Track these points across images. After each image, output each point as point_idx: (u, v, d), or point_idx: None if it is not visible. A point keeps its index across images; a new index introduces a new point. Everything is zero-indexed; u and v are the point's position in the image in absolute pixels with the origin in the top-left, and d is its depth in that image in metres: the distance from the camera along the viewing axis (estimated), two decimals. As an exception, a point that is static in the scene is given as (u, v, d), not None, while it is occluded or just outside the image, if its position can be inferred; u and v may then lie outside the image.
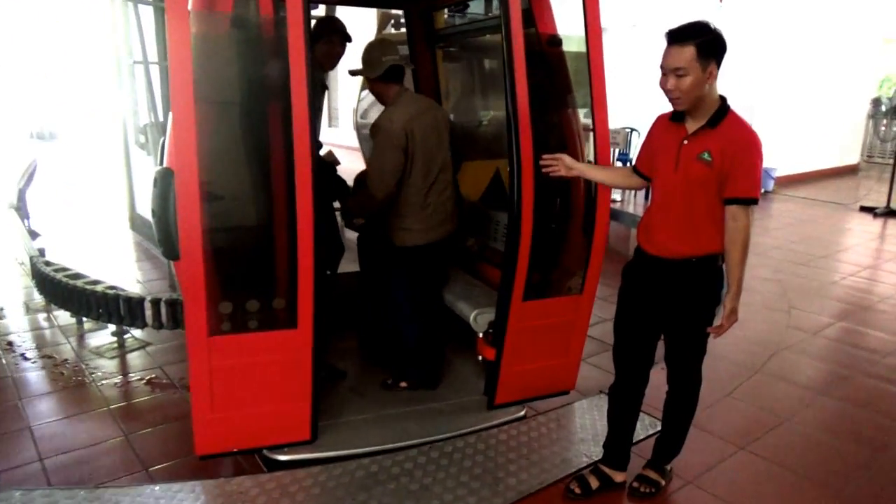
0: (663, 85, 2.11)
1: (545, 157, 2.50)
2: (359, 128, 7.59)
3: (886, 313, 4.56)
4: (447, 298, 3.26)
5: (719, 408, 3.11)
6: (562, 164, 2.48)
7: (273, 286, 2.44)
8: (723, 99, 2.18)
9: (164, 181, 2.17)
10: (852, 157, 11.55)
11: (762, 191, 9.32)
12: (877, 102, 7.36)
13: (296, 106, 2.24)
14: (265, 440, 2.58)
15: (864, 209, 8.08)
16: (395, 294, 3.05)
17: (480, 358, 3.01)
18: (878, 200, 8.32)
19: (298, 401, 2.53)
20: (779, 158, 9.37)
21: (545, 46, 2.96)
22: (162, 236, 2.22)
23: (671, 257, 2.24)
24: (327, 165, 3.31)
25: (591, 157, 2.90)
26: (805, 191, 9.46)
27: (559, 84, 3.05)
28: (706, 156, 2.14)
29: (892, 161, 8.16)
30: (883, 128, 7.46)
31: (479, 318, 2.99)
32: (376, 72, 2.88)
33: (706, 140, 2.14)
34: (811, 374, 3.57)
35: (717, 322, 2.21)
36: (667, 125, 2.28)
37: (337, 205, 3.40)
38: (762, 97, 9.17)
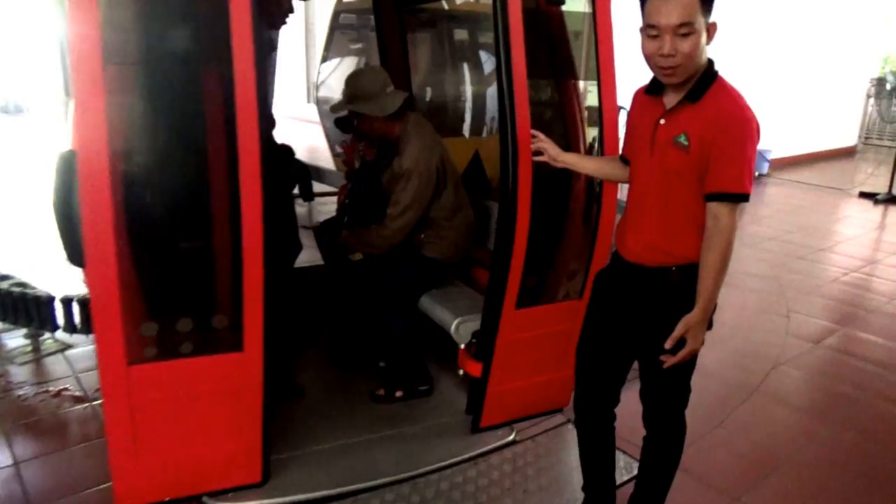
0: (654, 51, 1.63)
1: (533, 133, 2.15)
2: (319, 102, 7.02)
3: (893, 317, 4.10)
4: (423, 303, 2.81)
5: (708, 443, 2.63)
6: (546, 151, 2.11)
7: (212, 299, 1.99)
8: (710, 63, 1.69)
9: (66, 167, 1.68)
10: (850, 139, 11.08)
11: (757, 173, 9.05)
12: (881, 82, 6.81)
13: (239, 72, 1.76)
14: (204, 486, 2.13)
15: (863, 195, 7.61)
16: (386, 285, 2.72)
17: (462, 373, 2.59)
18: (878, 185, 7.85)
19: (245, 437, 2.09)
20: (775, 140, 8.87)
21: (543, 4, 2.51)
22: (64, 237, 1.74)
23: (646, 265, 1.79)
24: (283, 147, 2.89)
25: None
26: (801, 174, 8.98)
27: (559, 51, 2.62)
28: (682, 139, 1.68)
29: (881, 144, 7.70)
30: (893, 108, 6.92)
31: (461, 328, 2.56)
32: (388, 109, 2.63)
33: (684, 118, 1.69)
34: (815, 397, 3.10)
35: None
36: (643, 101, 1.83)
37: (297, 192, 3.10)
38: (757, 74, 8.63)
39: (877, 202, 7.33)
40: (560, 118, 2.69)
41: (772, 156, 8.80)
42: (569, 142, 2.60)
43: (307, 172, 3.20)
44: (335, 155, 6.29)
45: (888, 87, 6.85)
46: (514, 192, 2.22)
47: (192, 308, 1.93)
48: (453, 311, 2.63)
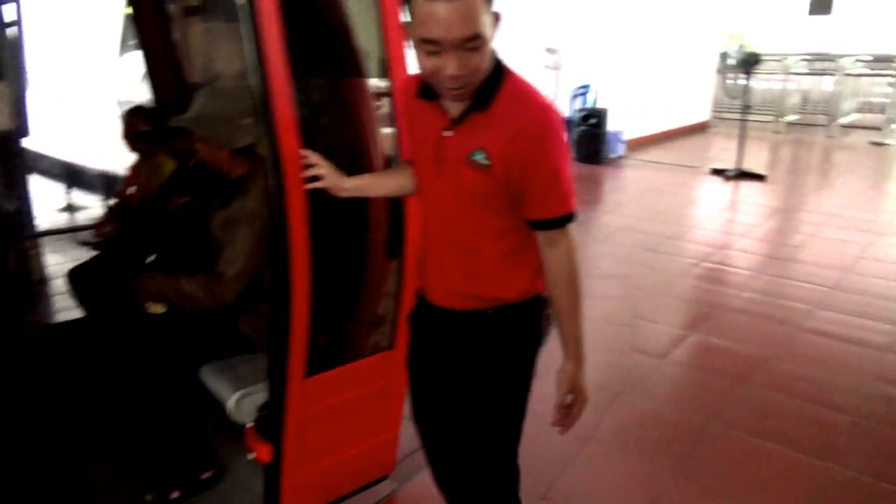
0: (435, 70, 1.25)
1: (305, 154, 1.66)
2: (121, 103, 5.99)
3: (745, 314, 3.76)
4: (202, 370, 2.20)
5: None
6: (323, 179, 1.65)
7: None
8: (493, 57, 1.31)
9: None
10: (703, 114, 11.23)
11: (614, 155, 8.92)
12: (724, 57, 6.67)
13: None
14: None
15: (714, 171, 7.52)
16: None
17: (252, 457, 2.02)
18: (729, 160, 7.81)
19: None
20: (628, 121, 8.71)
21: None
22: None
23: (455, 309, 1.46)
24: None
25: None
26: (658, 153, 8.87)
27: (341, 41, 2.09)
28: (480, 157, 1.32)
29: (736, 118, 7.65)
30: (730, 81, 6.80)
31: (243, 404, 2.04)
32: (239, 142, 2.20)
33: (477, 130, 1.33)
34: (659, 437, 2.62)
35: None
36: (418, 104, 1.43)
37: None
38: (604, 55, 8.41)
39: (727, 178, 7.25)
40: (346, 129, 2.14)
41: (627, 136, 8.61)
42: (359, 159, 2.07)
43: None
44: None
45: (731, 62, 6.69)
46: (282, 229, 1.72)
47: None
48: (233, 383, 2.08)
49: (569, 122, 8.34)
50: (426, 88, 1.37)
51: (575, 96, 8.40)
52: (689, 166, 7.94)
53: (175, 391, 2.16)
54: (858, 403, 2.81)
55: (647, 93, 9.30)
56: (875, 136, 9.63)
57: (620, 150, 8.54)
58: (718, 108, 11.44)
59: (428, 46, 1.22)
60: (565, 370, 1.42)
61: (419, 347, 1.62)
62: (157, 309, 2.29)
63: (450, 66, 1.22)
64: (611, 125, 8.25)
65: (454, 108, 1.35)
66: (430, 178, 1.43)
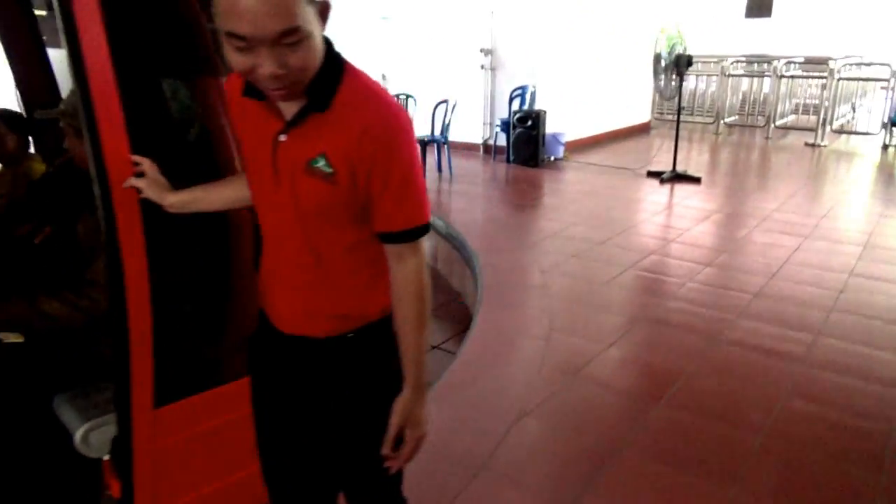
0: (248, 68, 1.07)
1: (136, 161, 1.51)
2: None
3: (665, 325, 3.62)
4: (55, 400, 1.98)
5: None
6: (143, 191, 1.50)
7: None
8: (328, 48, 1.15)
9: None
10: (644, 115, 11.23)
11: (552, 158, 8.80)
12: (658, 58, 6.57)
13: None
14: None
15: (651, 174, 7.45)
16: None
17: (107, 494, 1.89)
18: (667, 162, 7.75)
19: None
20: (567, 122, 8.60)
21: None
22: None
23: (311, 336, 1.29)
24: None
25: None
26: (598, 155, 8.78)
27: (186, 34, 1.86)
28: (322, 164, 1.16)
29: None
30: (661, 82, 6.72)
31: (91, 436, 1.83)
32: None
33: (317, 133, 1.16)
34: (559, 467, 2.41)
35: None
36: (245, 103, 1.24)
37: None
38: (542, 55, 8.28)
39: (662, 181, 7.17)
40: (198, 132, 1.93)
41: (567, 138, 8.49)
42: (213, 165, 1.87)
43: None
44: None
45: (663, 63, 6.61)
46: (113, 242, 1.54)
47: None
48: (83, 413, 1.86)
49: (506, 125, 8.18)
50: (252, 86, 1.17)
51: (512, 98, 8.25)
52: (628, 169, 7.85)
53: (29, 424, 1.94)
54: (771, 422, 2.66)
55: (588, 94, 9.22)
56: (809, 138, 9.75)
57: (559, 152, 8.41)
58: (660, 110, 11.48)
59: (236, 42, 1.03)
60: (402, 398, 1.26)
61: (266, 379, 1.43)
62: (13, 339, 2.03)
63: (265, 65, 1.04)
64: (550, 127, 8.12)
65: (288, 109, 1.17)
66: (266, 188, 1.24)
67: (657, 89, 6.95)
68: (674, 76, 6.70)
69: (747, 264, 4.59)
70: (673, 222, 5.78)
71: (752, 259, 4.71)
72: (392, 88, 9.56)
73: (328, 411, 1.33)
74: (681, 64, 6.60)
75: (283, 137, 1.18)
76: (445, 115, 7.38)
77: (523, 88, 8.21)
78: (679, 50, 6.71)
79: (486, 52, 8.48)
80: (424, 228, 1.20)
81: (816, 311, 3.75)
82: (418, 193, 1.18)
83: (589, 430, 2.63)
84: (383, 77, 10.34)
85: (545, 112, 7.95)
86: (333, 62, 1.15)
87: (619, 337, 3.42)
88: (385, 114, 1.14)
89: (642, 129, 11.09)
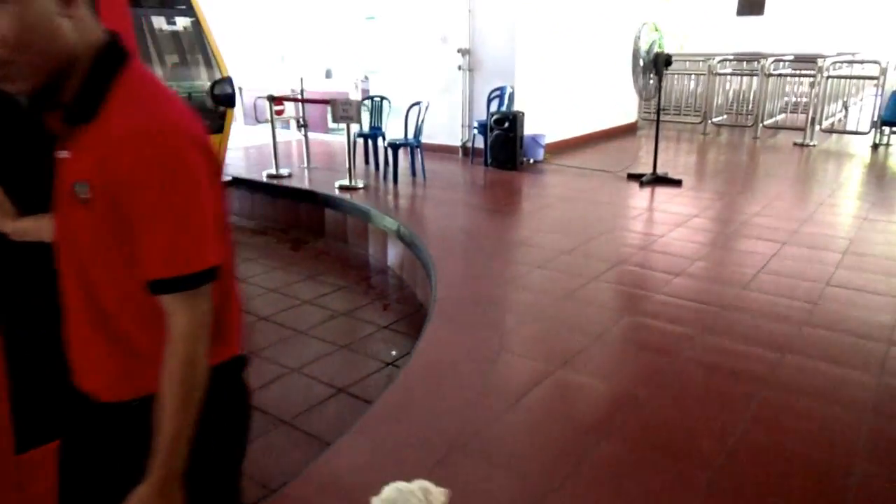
0: None
1: None
2: None
3: (622, 343, 3.39)
4: None
5: None
6: None
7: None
8: (107, 47, 0.95)
9: None
10: (630, 115, 11.00)
11: (532, 160, 8.54)
12: (636, 57, 6.34)
13: None
14: None
15: (631, 177, 7.21)
16: None
17: None
18: (650, 165, 7.51)
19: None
20: (548, 124, 8.36)
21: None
22: None
23: (89, 393, 1.08)
24: None
25: None
26: (580, 157, 8.54)
27: None
28: (82, 189, 0.94)
29: (663, 119, 7.36)
30: (640, 83, 6.48)
31: None
32: None
33: (86, 150, 0.96)
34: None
35: None
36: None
37: None
38: (521, 55, 8.05)
39: (642, 184, 6.94)
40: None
41: (548, 140, 8.26)
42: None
43: None
44: None
45: (641, 62, 6.37)
46: None
47: None
48: None
49: (483, 127, 7.96)
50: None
51: (491, 99, 8.02)
52: (608, 171, 7.62)
53: None
54: (724, 456, 2.43)
55: (569, 94, 8.99)
56: (798, 137, 9.51)
57: (539, 154, 8.18)
58: (647, 110, 11.24)
59: None
60: (137, 492, 0.98)
61: (63, 433, 1.20)
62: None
63: None
64: (529, 128, 7.89)
65: (57, 118, 0.99)
66: (55, 216, 1.06)
67: (636, 90, 6.70)
68: (652, 76, 6.46)
69: (720, 273, 4.36)
70: (647, 228, 5.55)
71: (725, 268, 4.48)
72: (371, 90, 9.35)
73: (107, 483, 1.10)
74: (659, 63, 6.37)
75: (63, 153, 0.98)
76: (419, 118, 7.15)
77: (501, 89, 7.98)
78: (657, 49, 6.47)
79: (464, 52, 8.26)
80: (197, 278, 0.95)
81: (787, 325, 3.52)
82: (192, 231, 0.94)
83: (526, 467, 2.40)
84: (365, 79, 10.12)
85: (523, 114, 7.73)
86: (107, 60, 0.93)
87: (572, 357, 3.18)
88: (156, 129, 0.91)
89: (629, 130, 10.85)
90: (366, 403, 3.05)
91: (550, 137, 8.36)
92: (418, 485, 1.52)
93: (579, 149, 9.11)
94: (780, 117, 11.11)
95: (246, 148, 9.32)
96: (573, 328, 3.54)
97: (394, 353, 3.88)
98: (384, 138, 7.58)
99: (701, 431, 2.59)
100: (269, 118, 7.44)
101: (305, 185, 7.05)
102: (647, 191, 6.79)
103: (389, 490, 1.50)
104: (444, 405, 2.77)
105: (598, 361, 3.17)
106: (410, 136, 7.22)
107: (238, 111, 11.54)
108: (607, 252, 4.79)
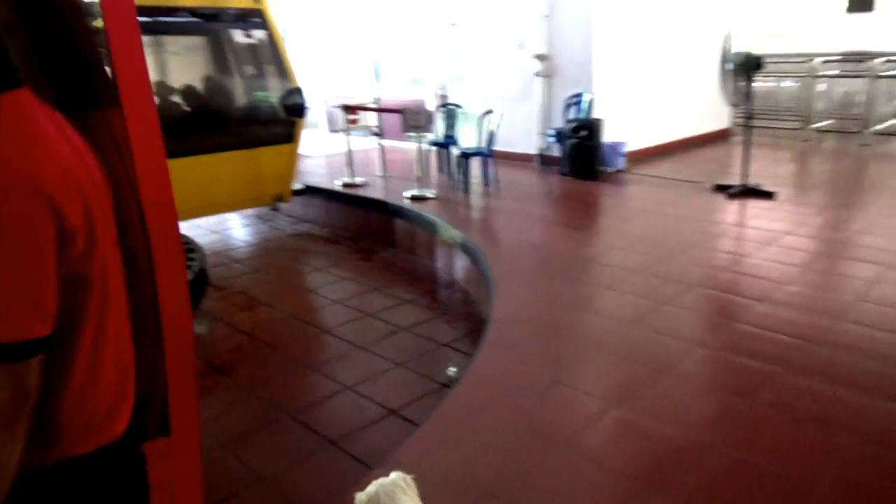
0: None
1: None
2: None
3: (691, 380, 3.08)
4: None
5: None
6: None
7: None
8: None
9: None
10: (722, 121, 10.34)
11: (611, 170, 8.15)
12: (724, 60, 5.91)
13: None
14: None
15: (718, 188, 6.73)
16: None
17: None
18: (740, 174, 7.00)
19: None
20: (630, 131, 7.98)
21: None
22: None
23: None
24: None
25: None
26: (664, 167, 8.09)
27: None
28: None
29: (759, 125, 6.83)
30: (728, 87, 6.03)
31: None
32: None
33: None
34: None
35: None
36: None
37: None
38: (601, 59, 7.71)
39: (730, 196, 6.45)
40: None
41: (629, 148, 7.87)
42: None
43: None
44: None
45: (728, 66, 5.92)
46: None
47: None
48: None
49: (559, 134, 7.69)
50: None
51: (568, 106, 7.74)
52: (693, 182, 7.15)
53: None
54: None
55: (653, 99, 8.54)
56: (915, 145, 8.61)
57: (620, 163, 7.80)
58: (740, 115, 10.53)
59: None
60: None
61: None
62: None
63: None
64: (609, 136, 7.55)
65: None
66: None
67: (723, 95, 6.24)
68: (741, 80, 5.99)
69: (814, 301, 3.92)
70: (732, 246, 5.12)
71: (819, 294, 4.03)
72: (450, 98, 9.26)
73: None
74: (748, 66, 5.89)
75: None
76: (491, 126, 6.97)
77: (579, 96, 7.68)
78: (746, 50, 5.99)
79: (541, 57, 8.01)
80: (8, 350, 0.78)
81: (893, 366, 3.09)
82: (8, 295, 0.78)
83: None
84: (444, 86, 10.04)
85: (602, 121, 7.39)
86: None
87: (633, 394, 2.91)
88: None
89: (720, 137, 10.21)
90: (415, 427, 2.92)
91: (632, 145, 7.97)
92: (395, 475, 1.72)
93: (663, 157, 8.63)
94: (893, 122, 10.13)
95: (329, 156, 9.45)
96: (638, 359, 3.25)
97: (451, 373, 3.74)
98: (457, 146, 7.46)
99: (772, 492, 2.27)
100: (344, 127, 7.49)
101: (378, 194, 7.03)
102: (735, 204, 6.30)
103: (371, 486, 1.69)
104: (483, 441, 2.58)
105: (663, 400, 2.88)
106: (483, 144, 7.06)
107: (322, 120, 11.80)
108: (685, 272, 4.43)
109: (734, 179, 6.75)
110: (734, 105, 6.95)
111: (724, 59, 6.01)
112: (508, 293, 4.05)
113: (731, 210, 6.13)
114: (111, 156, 1.73)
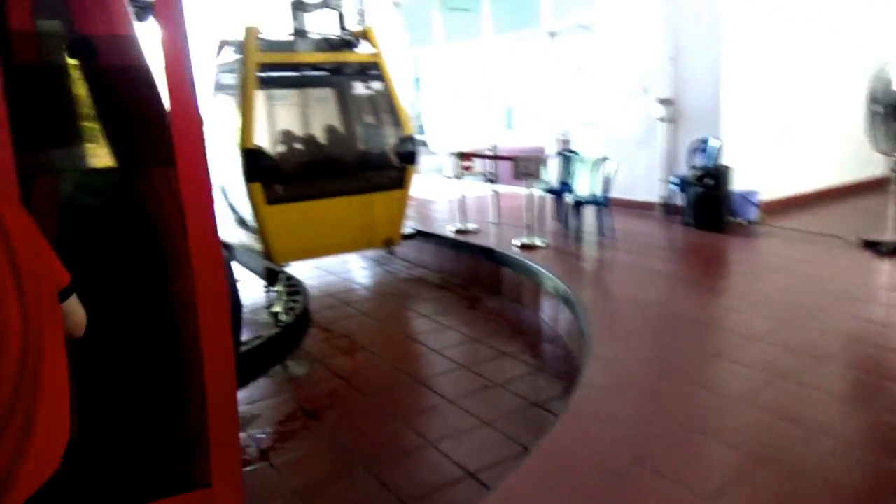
0: None
1: None
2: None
3: (811, 478, 2.64)
4: None
5: None
6: None
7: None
8: None
9: None
10: (877, 168, 9.27)
11: (743, 220, 7.48)
12: (872, 101, 5.31)
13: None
14: None
15: (867, 244, 5.97)
16: None
17: None
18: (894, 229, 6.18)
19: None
20: (763, 179, 7.36)
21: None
22: None
23: None
24: None
25: None
26: (804, 219, 7.36)
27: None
28: None
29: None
30: (875, 132, 5.39)
31: None
32: None
33: None
34: None
35: None
36: None
37: None
38: (729, 102, 7.22)
39: (882, 253, 5.70)
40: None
41: (762, 198, 7.25)
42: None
43: None
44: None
45: (875, 108, 5.30)
46: None
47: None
48: None
49: (682, 182, 7.25)
50: None
51: (693, 151, 7.30)
52: (837, 237, 6.41)
53: None
54: None
55: (792, 145, 7.86)
56: None
57: (752, 214, 7.20)
58: (900, 161, 9.40)
59: None
60: None
61: None
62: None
63: None
64: (739, 184, 7.01)
65: None
66: None
67: (870, 140, 5.58)
68: (893, 123, 5.32)
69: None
70: (878, 315, 4.46)
71: None
72: (573, 143, 9.10)
73: None
74: (901, 109, 5.23)
75: None
76: (607, 173, 6.71)
77: (705, 141, 7.22)
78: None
79: (666, 102, 7.65)
80: None
81: None
82: None
83: None
84: (563, 133, 9.90)
85: (730, 168, 6.88)
86: None
87: (735, 484, 2.55)
88: None
89: (874, 186, 9.14)
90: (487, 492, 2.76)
91: (766, 195, 7.33)
92: None
93: (804, 208, 7.86)
94: None
95: (451, 201, 9.57)
96: (745, 446, 2.85)
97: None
98: (572, 194, 7.25)
99: None
100: (458, 173, 7.55)
101: (488, 241, 6.96)
102: (886, 263, 5.55)
103: None
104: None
105: (771, 501, 2.49)
106: (598, 191, 6.80)
107: (448, 165, 12.07)
108: (817, 343, 3.90)
109: (888, 235, 5.97)
110: (883, 153, 6.19)
111: (873, 98, 5.38)
112: (605, 355, 3.78)
113: (881, 270, 5.40)
114: (169, 208, 1.79)
